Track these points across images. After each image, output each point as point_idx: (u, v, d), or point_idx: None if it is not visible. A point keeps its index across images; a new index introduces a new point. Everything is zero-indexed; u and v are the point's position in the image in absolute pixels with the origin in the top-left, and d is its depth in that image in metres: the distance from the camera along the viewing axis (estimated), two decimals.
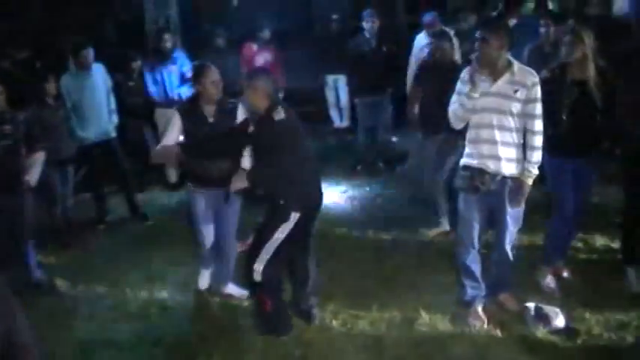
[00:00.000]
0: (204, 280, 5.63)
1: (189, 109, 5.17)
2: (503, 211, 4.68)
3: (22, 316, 2.40)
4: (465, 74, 4.57)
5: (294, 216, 4.62)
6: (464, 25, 8.50)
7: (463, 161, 4.70)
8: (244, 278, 4.95)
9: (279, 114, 4.56)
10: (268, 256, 4.66)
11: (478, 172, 4.57)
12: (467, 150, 4.68)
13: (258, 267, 4.66)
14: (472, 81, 4.46)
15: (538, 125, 4.52)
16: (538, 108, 4.51)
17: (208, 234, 5.40)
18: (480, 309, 4.88)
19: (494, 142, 4.53)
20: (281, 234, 4.64)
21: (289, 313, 4.97)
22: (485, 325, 4.80)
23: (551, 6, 9.75)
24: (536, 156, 4.55)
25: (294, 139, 4.66)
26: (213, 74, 5.07)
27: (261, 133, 4.68)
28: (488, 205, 4.70)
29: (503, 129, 4.51)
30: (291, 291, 5.09)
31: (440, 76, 6.04)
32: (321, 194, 4.90)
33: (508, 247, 4.78)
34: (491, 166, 4.55)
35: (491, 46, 4.40)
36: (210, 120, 5.13)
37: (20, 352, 2.38)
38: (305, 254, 4.98)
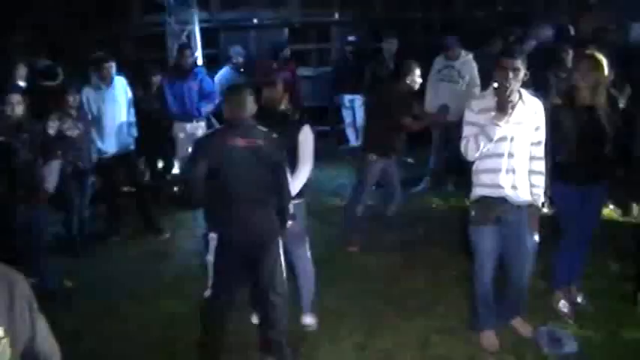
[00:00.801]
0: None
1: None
2: (522, 240, 4.61)
3: (45, 324, 2.42)
4: (478, 104, 4.49)
5: (212, 237, 4.45)
6: (487, 50, 8.55)
7: (478, 192, 4.57)
8: None
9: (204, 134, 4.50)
10: (210, 282, 4.55)
11: (498, 202, 4.53)
12: (481, 180, 4.55)
13: (205, 293, 4.58)
14: (503, 109, 4.33)
15: (542, 151, 4.55)
16: (543, 134, 4.53)
17: None
18: (492, 333, 4.88)
19: (511, 171, 4.46)
20: (209, 257, 4.49)
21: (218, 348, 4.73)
22: (498, 349, 4.80)
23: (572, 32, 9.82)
24: (543, 181, 4.57)
25: (201, 158, 4.41)
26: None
27: None
28: (503, 236, 4.62)
29: (519, 157, 4.47)
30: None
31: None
32: (253, 230, 4.46)
33: (527, 276, 4.74)
34: (510, 194, 4.50)
35: (520, 76, 4.35)
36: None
37: (43, 357, 2.40)
38: (272, 297, 4.58)
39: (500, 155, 4.45)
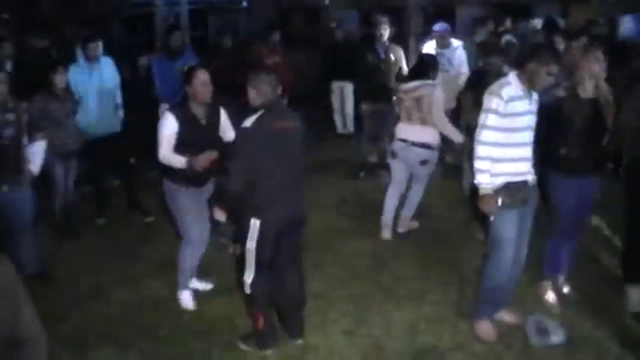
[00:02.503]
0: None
1: (181, 111, 5.10)
2: (529, 223, 4.74)
3: (30, 307, 2.37)
4: (508, 91, 4.44)
5: (255, 223, 4.43)
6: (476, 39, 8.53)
7: (501, 180, 4.52)
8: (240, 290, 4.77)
9: (248, 122, 4.38)
10: (252, 268, 4.52)
11: (522, 185, 4.58)
12: (503, 169, 4.52)
13: (247, 279, 4.55)
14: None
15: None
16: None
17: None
18: (490, 323, 4.87)
19: (528, 159, 4.59)
20: (250, 243, 4.47)
21: (276, 328, 4.84)
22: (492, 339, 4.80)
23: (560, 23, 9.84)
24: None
25: (253, 148, 4.39)
26: (203, 76, 5.01)
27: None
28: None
29: (530, 144, 4.59)
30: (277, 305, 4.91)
31: None
32: (294, 207, 4.59)
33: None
34: (528, 179, 4.62)
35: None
36: (202, 122, 5.12)
37: (28, 342, 2.35)
38: (292, 269, 4.75)
39: (522, 144, 4.54)
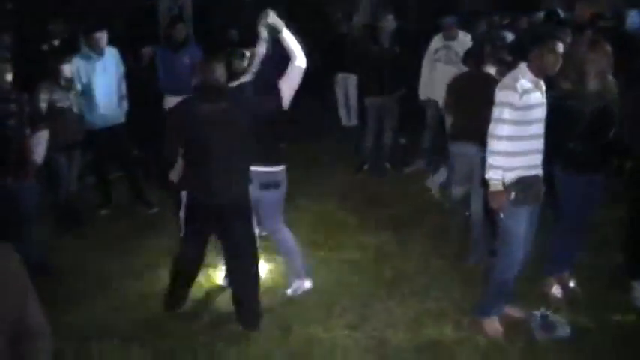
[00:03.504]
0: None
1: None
2: (535, 217, 4.70)
3: (35, 300, 2.36)
4: (522, 85, 4.38)
5: (184, 195, 4.82)
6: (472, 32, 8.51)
7: (516, 174, 4.46)
8: None
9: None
10: (182, 233, 4.93)
11: (536, 180, 4.55)
12: (518, 162, 4.47)
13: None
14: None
15: None
16: None
17: None
18: (496, 319, 4.84)
19: (540, 151, 4.55)
20: (182, 213, 4.86)
21: (182, 296, 5.14)
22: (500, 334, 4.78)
23: (562, 15, 9.78)
24: None
25: (176, 126, 4.70)
26: None
27: None
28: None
29: (542, 136, 4.55)
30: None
31: None
32: (224, 192, 4.61)
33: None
34: (540, 172, 4.59)
35: None
36: None
37: (33, 335, 2.34)
38: (238, 266, 4.89)
39: (536, 137, 4.51)
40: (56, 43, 8.20)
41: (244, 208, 4.80)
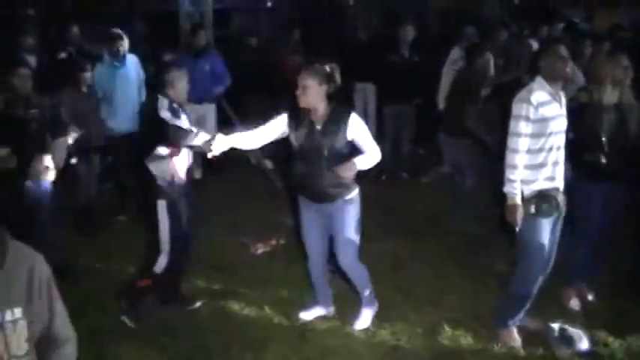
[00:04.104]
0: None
1: None
2: (557, 229, 4.64)
3: (62, 307, 2.38)
4: (537, 97, 4.37)
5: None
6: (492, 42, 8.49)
7: (537, 187, 4.45)
8: None
9: None
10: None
11: (555, 192, 4.51)
12: (536, 175, 4.45)
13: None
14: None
15: None
16: None
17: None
18: (515, 330, 4.82)
19: (560, 163, 4.53)
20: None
21: None
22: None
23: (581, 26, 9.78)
24: None
25: None
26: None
27: None
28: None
29: (562, 148, 4.54)
30: None
31: None
32: None
33: None
34: (559, 185, 4.55)
35: None
36: None
37: (59, 340, 2.35)
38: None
39: (556, 149, 4.48)
40: (75, 49, 8.25)
41: None
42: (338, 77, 4.65)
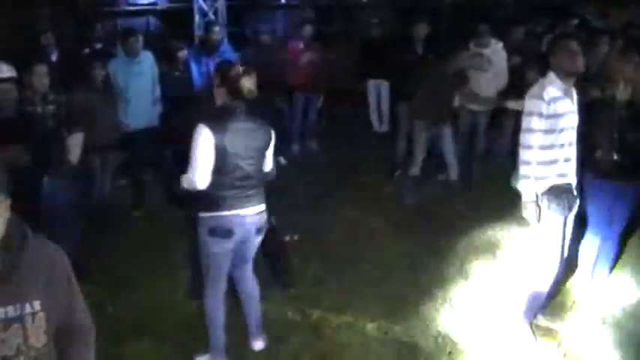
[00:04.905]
0: None
1: None
2: (570, 226, 4.66)
3: (82, 301, 2.42)
4: (550, 92, 4.35)
5: None
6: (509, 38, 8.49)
7: (547, 183, 4.43)
8: None
9: None
10: None
11: (569, 188, 4.51)
12: (550, 171, 4.42)
13: None
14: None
15: None
16: None
17: None
18: (529, 326, 4.81)
19: (572, 159, 4.52)
20: None
21: None
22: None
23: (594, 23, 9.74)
24: None
25: None
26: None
27: None
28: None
29: (574, 144, 4.52)
30: None
31: None
32: None
33: None
34: (572, 181, 4.55)
35: None
36: None
37: (78, 332, 2.40)
38: None
39: (568, 145, 4.47)
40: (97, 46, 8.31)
41: None
42: (245, 83, 4.20)
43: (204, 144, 4.05)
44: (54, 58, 7.59)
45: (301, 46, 9.51)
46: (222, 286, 4.46)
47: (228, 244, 4.26)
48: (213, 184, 4.14)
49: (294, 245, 6.17)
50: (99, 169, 6.98)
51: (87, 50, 8.25)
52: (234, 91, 4.17)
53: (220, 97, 4.27)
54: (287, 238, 6.51)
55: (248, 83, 4.18)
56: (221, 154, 4.08)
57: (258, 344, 4.75)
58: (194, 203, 4.33)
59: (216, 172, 4.13)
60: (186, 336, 4.91)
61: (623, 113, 4.85)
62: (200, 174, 4.10)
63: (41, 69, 5.59)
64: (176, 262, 6.10)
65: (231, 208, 4.18)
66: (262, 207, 4.36)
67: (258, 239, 4.45)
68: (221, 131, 4.07)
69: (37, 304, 2.18)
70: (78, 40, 8.53)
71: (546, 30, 9.83)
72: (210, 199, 4.19)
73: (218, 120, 4.13)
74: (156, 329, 5.01)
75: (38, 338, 2.20)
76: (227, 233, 4.21)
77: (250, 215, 4.26)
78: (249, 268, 4.61)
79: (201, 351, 4.64)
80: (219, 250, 4.26)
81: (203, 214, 4.25)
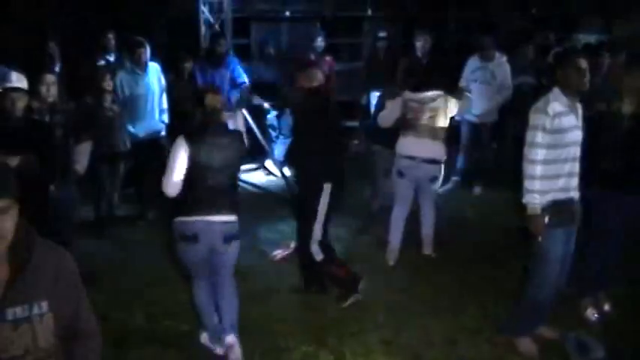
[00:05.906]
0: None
1: None
2: (572, 240, 4.66)
3: (88, 304, 2.46)
4: (554, 107, 4.38)
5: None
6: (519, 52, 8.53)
7: (549, 197, 4.46)
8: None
9: None
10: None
11: (569, 203, 4.54)
12: (552, 185, 4.45)
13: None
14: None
15: None
16: None
17: None
18: (530, 339, 4.83)
19: (575, 174, 4.54)
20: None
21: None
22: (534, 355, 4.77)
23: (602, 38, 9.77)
24: None
25: None
26: None
27: None
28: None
29: (577, 159, 4.54)
30: None
31: None
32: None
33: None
34: (575, 196, 4.58)
35: None
36: None
37: (84, 335, 2.43)
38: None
39: (572, 160, 4.50)
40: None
41: None
42: (208, 101, 4.58)
43: (179, 154, 4.42)
44: (57, 68, 7.64)
45: (309, 59, 9.54)
46: (203, 284, 4.79)
47: (198, 250, 4.55)
48: (185, 192, 4.48)
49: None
50: (107, 178, 7.03)
51: (103, 61, 8.28)
52: (205, 110, 4.55)
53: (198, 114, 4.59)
54: (292, 246, 6.54)
55: (213, 102, 4.57)
56: (194, 164, 4.42)
57: (230, 339, 4.77)
58: (169, 209, 4.71)
59: (188, 180, 4.45)
60: (191, 342, 4.95)
61: (628, 126, 4.87)
62: (171, 181, 4.46)
63: (50, 78, 5.67)
64: (180, 272, 6.13)
65: (197, 214, 4.47)
66: (232, 217, 4.61)
67: (230, 249, 4.64)
68: (197, 144, 4.43)
69: (44, 305, 2.23)
70: (89, 51, 8.55)
71: (552, 44, 9.86)
72: (180, 205, 4.53)
73: (197, 133, 4.50)
74: (162, 336, 5.04)
75: (46, 339, 2.25)
76: (192, 238, 4.50)
77: (217, 223, 4.51)
78: (227, 278, 4.78)
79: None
80: (190, 253, 4.61)
81: (175, 219, 4.57)
